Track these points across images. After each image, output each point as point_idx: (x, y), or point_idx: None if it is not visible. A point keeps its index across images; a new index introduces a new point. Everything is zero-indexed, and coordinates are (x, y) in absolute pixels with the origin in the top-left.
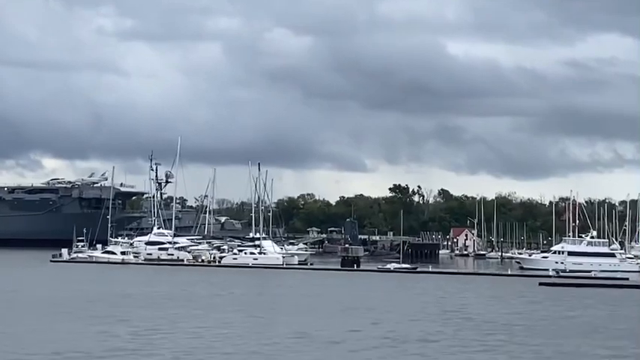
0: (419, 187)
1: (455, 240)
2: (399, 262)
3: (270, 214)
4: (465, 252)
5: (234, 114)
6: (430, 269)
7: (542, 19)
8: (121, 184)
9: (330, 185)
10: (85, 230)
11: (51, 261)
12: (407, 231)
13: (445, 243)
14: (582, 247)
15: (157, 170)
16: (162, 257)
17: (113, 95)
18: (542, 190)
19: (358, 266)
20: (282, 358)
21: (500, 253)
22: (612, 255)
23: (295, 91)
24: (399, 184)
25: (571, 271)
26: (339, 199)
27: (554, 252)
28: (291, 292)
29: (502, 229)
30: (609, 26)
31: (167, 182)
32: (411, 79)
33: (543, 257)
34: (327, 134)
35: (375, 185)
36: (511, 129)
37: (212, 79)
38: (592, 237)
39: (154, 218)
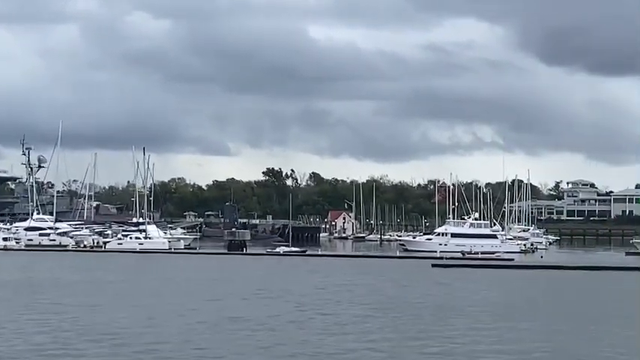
0: (292, 170)
1: (333, 223)
2: (288, 246)
3: (152, 198)
4: (344, 235)
5: (94, 97)
6: (320, 252)
7: (401, 4)
8: None
9: (194, 169)
10: None
11: None
12: (281, 214)
13: (323, 226)
14: (465, 229)
15: (29, 155)
16: (44, 243)
17: None
18: (407, 173)
19: (245, 250)
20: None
21: (379, 236)
22: (494, 236)
23: (156, 74)
24: (273, 168)
25: (475, 252)
26: (211, 183)
27: (438, 234)
28: (198, 276)
29: (377, 211)
30: (465, 11)
31: (40, 167)
32: (274, 62)
33: (427, 239)
34: (189, 118)
35: (239, 169)
36: (373, 112)
37: (71, 61)
38: (474, 219)
39: (31, 204)
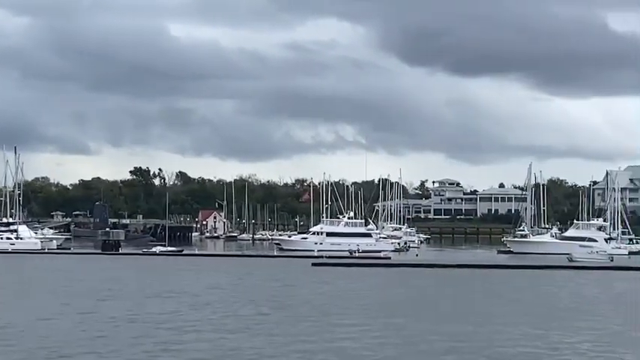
0: (160, 169)
1: (204, 222)
2: (164, 245)
3: (21, 198)
4: (215, 234)
5: None
6: (198, 252)
7: (262, 3)
8: None
9: (55, 168)
10: None
11: None
12: (149, 214)
13: (194, 225)
14: (340, 228)
15: None
16: None
17: None
18: (271, 172)
19: (119, 250)
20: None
21: (251, 235)
22: (369, 235)
23: (13, 72)
24: (140, 167)
25: (364, 251)
26: (77, 182)
27: (314, 233)
28: (84, 277)
29: (248, 211)
30: (327, 11)
31: None
32: (135, 61)
33: (303, 238)
34: (48, 116)
35: (100, 168)
36: (236, 111)
37: None
38: (349, 218)
39: None
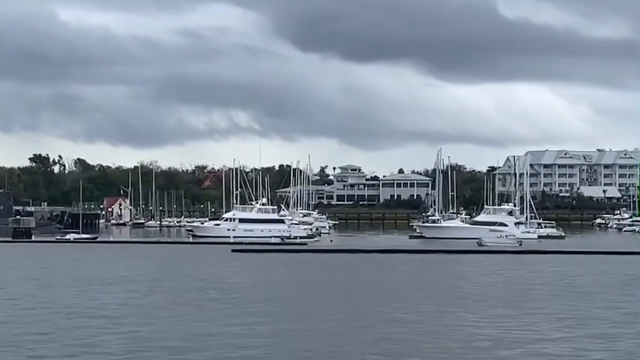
0: (60, 157)
1: (109, 209)
2: (77, 233)
3: None
4: (121, 221)
5: None
6: (112, 239)
7: None
8: None
9: None
10: None
11: None
12: (50, 201)
13: (100, 212)
14: (253, 214)
15: None
16: None
17: None
18: (165, 159)
19: (30, 237)
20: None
21: (159, 222)
22: (282, 221)
23: None
24: (40, 154)
25: (294, 237)
26: None
27: (226, 219)
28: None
29: (154, 198)
30: None
31: None
32: (23, 45)
33: (216, 225)
34: None
35: None
36: (128, 97)
37: None
38: (262, 204)
39: None
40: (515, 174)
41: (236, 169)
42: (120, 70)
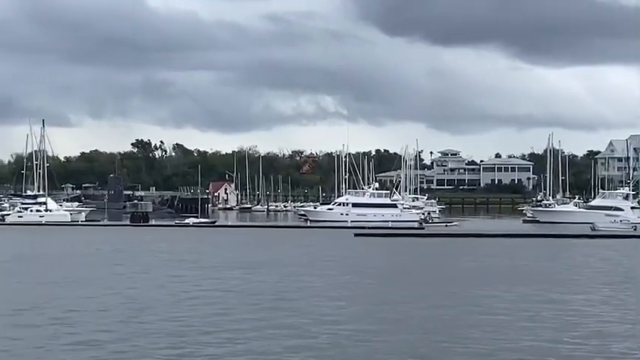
0: (161, 142)
1: (216, 194)
2: (197, 217)
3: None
4: (228, 205)
5: None
6: (230, 223)
7: None
8: None
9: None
10: None
11: None
12: (152, 186)
13: (208, 197)
14: (366, 199)
15: None
16: None
17: None
18: (252, 143)
19: (147, 221)
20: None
21: (266, 206)
22: (394, 206)
23: None
24: (142, 139)
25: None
26: (79, 154)
27: (339, 204)
28: (157, 248)
29: (262, 182)
30: None
31: None
32: (113, 32)
33: (329, 209)
34: (27, 89)
35: (76, 140)
36: (216, 83)
37: None
38: (375, 189)
39: None
40: (628, 158)
41: (346, 153)
42: (207, 55)
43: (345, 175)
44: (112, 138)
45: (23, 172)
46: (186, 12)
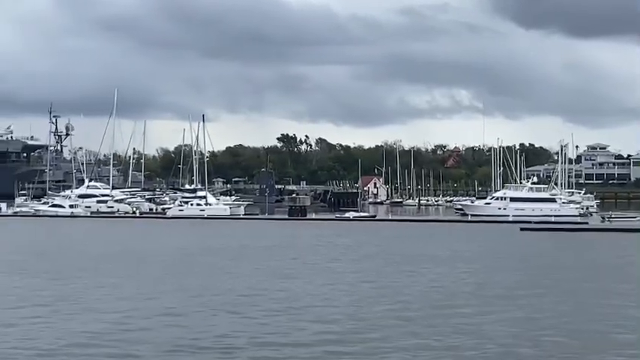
0: (306, 136)
1: (366, 188)
2: (357, 211)
3: (197, 166)
4: (378, 200)
5: (69, 64)
6: (390, 217)
7: None
8: (31, 137)
9: (170, 135)
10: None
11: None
12: (297, 180)
13: (360, 191)
14: (524, 193)
15: (56, 123)
16: (102, 210)
17: None
18: (385, 138)
19: (305, 215)
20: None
21: (418, 200)
22: (553, 200)
23: (130, 40)
24: (287, 134)
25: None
26: (224, 149)
27: (497, 198)
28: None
29: (412, 176)
30: None
31: (67, 135)
32: (247, 27)
33: (486, 204)
34: (164, 84)
35: (216, 135)
36: (350, 77)
37: (44, 29)
38: (533, 183)
39: (90, 172)
40: None
41: (500, 147)
42: (341, 50)
43: (499, 169)
44: (250, 132)
45: (180, 166)
46: (320, 6)
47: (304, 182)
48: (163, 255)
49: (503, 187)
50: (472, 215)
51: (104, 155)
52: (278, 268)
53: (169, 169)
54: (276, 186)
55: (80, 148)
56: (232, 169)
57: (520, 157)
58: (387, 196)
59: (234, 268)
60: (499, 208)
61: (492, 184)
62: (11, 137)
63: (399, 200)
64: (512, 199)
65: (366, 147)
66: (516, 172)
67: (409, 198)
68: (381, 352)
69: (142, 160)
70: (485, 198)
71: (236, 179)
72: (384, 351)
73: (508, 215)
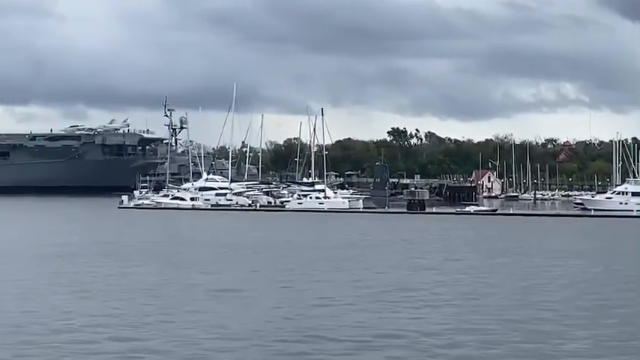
0: (417, 130)
1: (479, 182)
2: (477, 205)
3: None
4: (492, 194)
5: (174, 58)
6: (511, 211)
7: None
8: (147, 130)
9: (274, 129)
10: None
11: (119, 207)
12: (408, 174)
13: (476, 185)
14: None
15: (171, 116)
16: (221, 203)
17: (50, 40)
18: (489, 132)
19: (423, 209)
20: None
21: (533, 194)
22: None
23: (234, 34)
24: (397, 127)
25: None
26: (334, 142)
27: (618, 193)
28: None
29: (527, 170)
30: None
31: (182, 128)
32: (350, 20)
33: (607, 198)
34: (269, 78)
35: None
36: (454, 70)
37: (149, 23)
38: None
39: (210, 165)
40: None
41: (619, 140)
42: (445, 43)
43: (619, 163)
44: (356, 126)
45: (296, 159)
46: (425, 0)
47: (418, 176)
48: (323, 248)
49: (624, 181)
50: (594, 210)
51: (213, 148)
52: (441, 262)
53: (279, 163)
54: (390, 179)
55: (191, 141)
56: (343, 162)
57: (638, 152)
58: (502, 190)
59: (398, 262)
60: (620, 203)
61: (612, 179)
62: (128, 130)
63: (514, 194)
64: (634, 194)
65: (475, 141)
66: (634, 165)
67: (524, 192)
68: None
69: (260, 154)
70: (604, 193)
71: (348, 172)
72: None
73: (632, 210)
